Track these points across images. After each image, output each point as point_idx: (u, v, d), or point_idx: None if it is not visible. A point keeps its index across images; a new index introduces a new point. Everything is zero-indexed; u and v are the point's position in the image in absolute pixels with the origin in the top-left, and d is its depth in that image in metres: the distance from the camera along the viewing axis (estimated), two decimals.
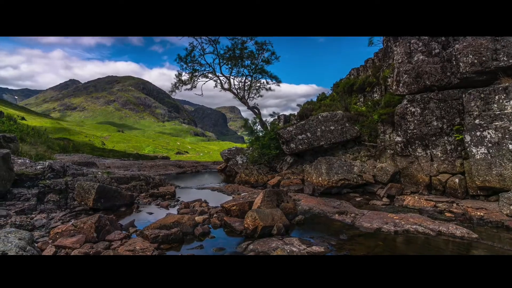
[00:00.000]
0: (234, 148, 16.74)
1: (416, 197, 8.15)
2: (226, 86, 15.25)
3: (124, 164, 19.02)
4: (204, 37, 14.96)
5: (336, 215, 6.83)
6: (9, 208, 6.29)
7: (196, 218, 6.02)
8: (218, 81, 15.33)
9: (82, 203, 7.12)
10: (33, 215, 6.19)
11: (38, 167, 8.50)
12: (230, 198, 8.75)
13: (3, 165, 7.00)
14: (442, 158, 8.61)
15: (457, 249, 4.85)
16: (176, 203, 8.02)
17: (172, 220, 5.44)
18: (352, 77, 14.21)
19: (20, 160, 8.81)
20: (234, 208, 6.36)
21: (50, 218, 6.10)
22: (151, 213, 7.03)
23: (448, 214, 6.98)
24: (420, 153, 9.00)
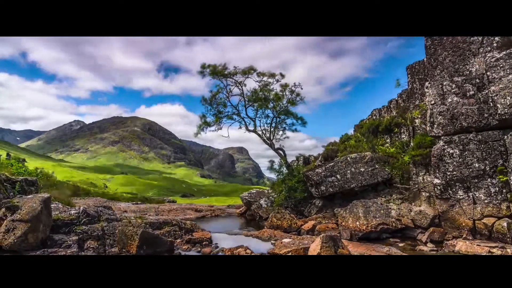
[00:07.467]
0: (255, 191, 16.46)
1: (468, 242, 7.80)
2: (251, 127, 15.38)
3: (140, 208, 18.58)
4: (230, 79, 15.33)
5: None
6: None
7: None
8: (243, 123, 15.53)
9: (124, 250, 6.82)
10: None
11: (72, 211, 8.29)
12: (270, 244, 8.40)
13: (45, 210, 6.82)
14: (486, 201, 8.36)
15: None
16: (216, 249, 7.68)
17: None
18: (375, 118, 14.33)
19: (53, 205, 8.60)
20: (289, 255, 6.05)
21: None
22: None
23: None
24: (462, 195, 8.76)
